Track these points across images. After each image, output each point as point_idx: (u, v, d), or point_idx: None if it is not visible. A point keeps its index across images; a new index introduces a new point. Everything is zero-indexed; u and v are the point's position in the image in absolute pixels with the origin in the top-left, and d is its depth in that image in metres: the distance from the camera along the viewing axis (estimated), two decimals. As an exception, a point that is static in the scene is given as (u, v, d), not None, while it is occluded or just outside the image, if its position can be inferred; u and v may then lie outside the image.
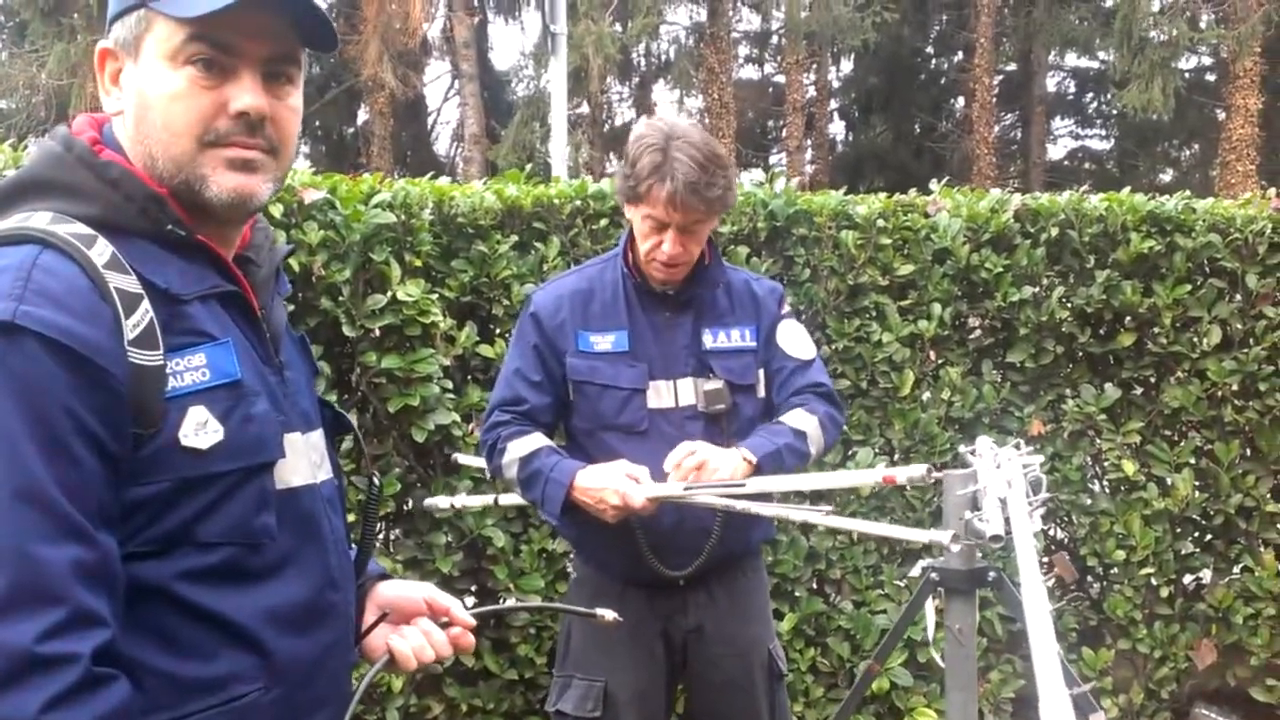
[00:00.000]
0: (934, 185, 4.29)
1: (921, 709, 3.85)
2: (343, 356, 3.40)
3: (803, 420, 2.57)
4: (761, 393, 2.64)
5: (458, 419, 3.48)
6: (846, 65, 26.12)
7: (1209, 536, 4.38)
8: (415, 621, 1.57)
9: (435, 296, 3.47)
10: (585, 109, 21.82)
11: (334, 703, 1.42)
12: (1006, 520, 2.13)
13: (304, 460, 1.40)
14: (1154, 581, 4.23)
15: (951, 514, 2.34)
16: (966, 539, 2.32)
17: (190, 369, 1.25)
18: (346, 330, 3.30)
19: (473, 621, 1.58)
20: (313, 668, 1.37)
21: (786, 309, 2.72)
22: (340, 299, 3.29)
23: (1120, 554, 4.14)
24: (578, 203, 3.76)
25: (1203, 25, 19.68)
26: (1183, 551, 4.29)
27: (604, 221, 3.75)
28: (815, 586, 3.97)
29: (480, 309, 3.64)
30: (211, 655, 1.26)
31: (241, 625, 1.28)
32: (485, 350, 3.58)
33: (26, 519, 1.11)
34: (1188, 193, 4.43)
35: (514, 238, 3.64)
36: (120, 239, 1.25)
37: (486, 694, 3.58)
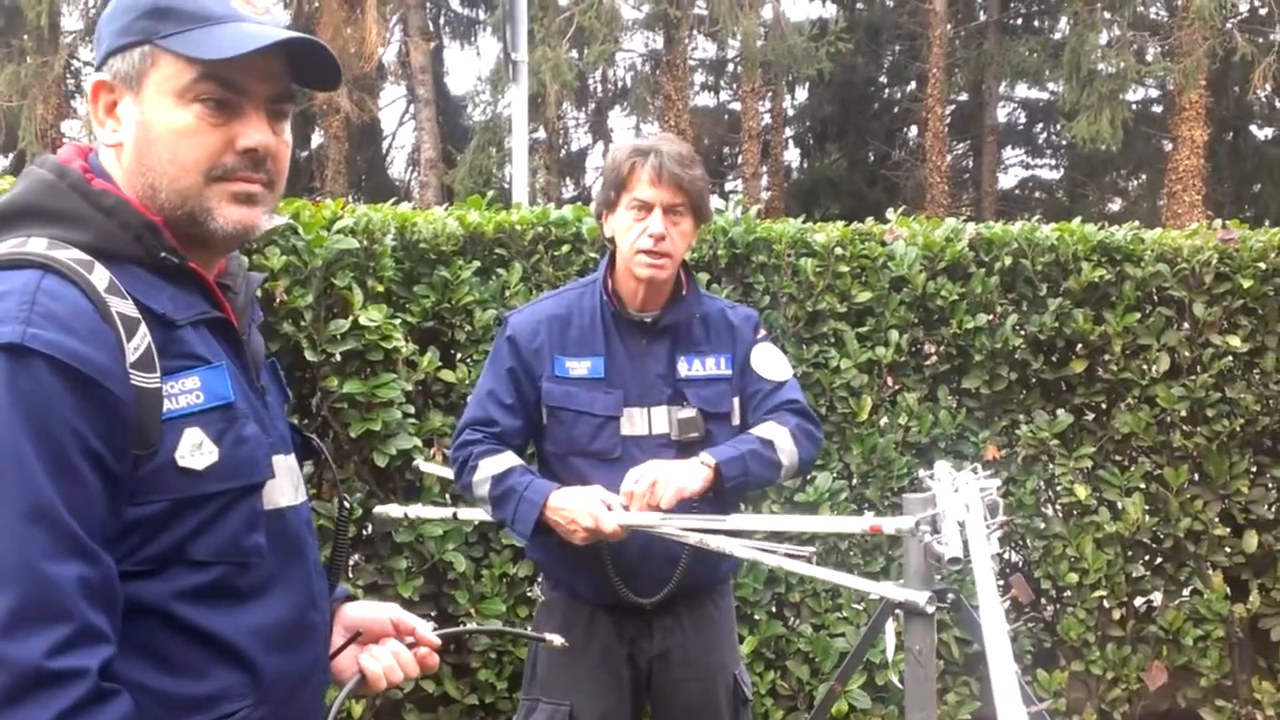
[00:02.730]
0: (891, 214, 4.36)
1: (879, 731, 3.89)
2: (304, 381, 3.40)
3: (771, 430, 2.59)
4: (736, 420, 2.66)
5: (419, 444, 3.49)
6: (801, 93, 26.42)
7: (1159, 559, 4.46)
8: (383, 642, 1.59)
9: (397, 322, 3.48)
10: (542, 134, 21.89)
11: None
12: (964, 543, 2.17)
13: (288, 482, 1.44)
14: (1106, 604, 4.30)
15: (911, 541, 2.38)
16: (940, 600, 2.36)
17: (185, 391, 1.28)
18: (309, 355, 3.30)
19: (438, 641, 1.61)
20: (296, 685, 1.40)
21: (761, 334, 2.75)
22: (302, 324, 3.29)
23: (1073, 577, 4.21)
24: (540, 229, 3.78)
25: (1149, 58, 20.11)
26: (1134, 574, 4.36)
27: (565, 248, 3.77)
28: (775, 610, 4.00)
29: (442, 334, 3.65)
30: (202, 673, 1.29)
31: (231, 643, 1.31)
32: (447, 375, 3.59)
33: (35, 536, 1.14)
34: (1136, 223, 4.53)
35: (476, 263, 3.67)
36: (114, 265, 1.27)
37: (446, 719, 3.57)
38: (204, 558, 1.28)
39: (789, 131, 26.54)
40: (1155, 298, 4.37)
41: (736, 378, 2.66)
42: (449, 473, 2.73)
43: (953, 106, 24.41)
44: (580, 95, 23.78)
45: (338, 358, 3.38)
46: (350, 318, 3.35)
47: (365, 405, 3.38)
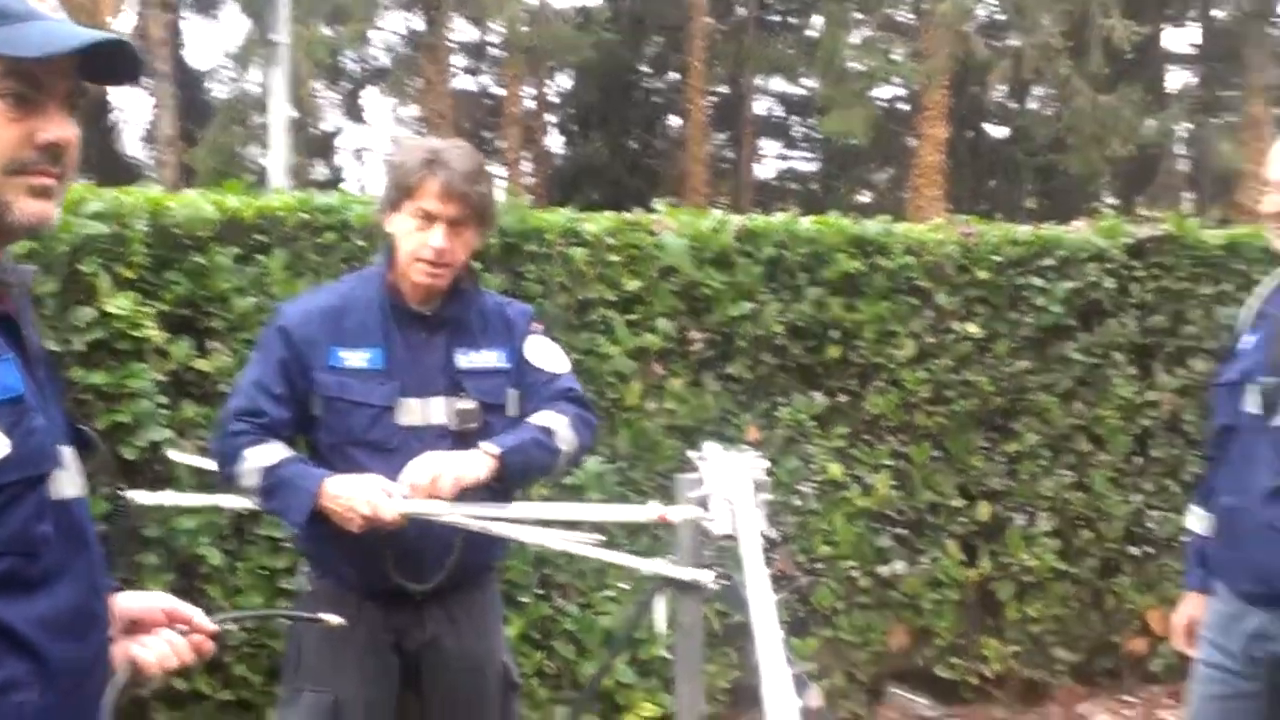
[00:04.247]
0: (659, 205, 4.46)
1: (642, 703, 3.98)
2: (46, 372, 3.20)
3: (550, 419, 2.62)
4: (512, 411, 2.67)
5: (171, 435, 3.35)
6: (565, 80, 26.48)
7: (903, 530, 4.75)
8: (156, 631, 1.58)
9: (149, 310, 3.32)
10: (292, 113, 21.14)
11: (96, 711, 1.45)
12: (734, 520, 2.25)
13: (72, 474, 1.43)
14: (854, 574, 4.54)
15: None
16: (726, 578, 2.44)
17: None
18: (51, 344, 3.11)
19: (214, 628, 1.62)
20: (83, 673, 1.40)
21: (535, 327, 2.78)
22: (44, 312, 3.11)
23: (826, 549, 4.43)
24: (304, 215, 3.68)
25: (897, 58, 21.18)
26: (879, 545, 4.63)
27: (331, 235, 3.69)
28: (541, 591, 4.03)
29: (197, 322, 3.51)
30: None
31: (20, 633, 1.30)
32: (201, 364, 3.47)
33: None
34: (889, 217, 4.80)
35: (234, 249, 3.54)
36: None
37: (198, 716, 3.45)
38: None
39: (551, 118, 26.58)
40: (904, 287, 4.63)
41: (514, 371, 2.68)
42: (202, 462, 2.64)
43: (714, 98, 25.03)
44: (333, 74, 23.12)
45: (81, 347, 3.21)
46: (96, 305, 3.19)
47: (113, 396, 3.23)
